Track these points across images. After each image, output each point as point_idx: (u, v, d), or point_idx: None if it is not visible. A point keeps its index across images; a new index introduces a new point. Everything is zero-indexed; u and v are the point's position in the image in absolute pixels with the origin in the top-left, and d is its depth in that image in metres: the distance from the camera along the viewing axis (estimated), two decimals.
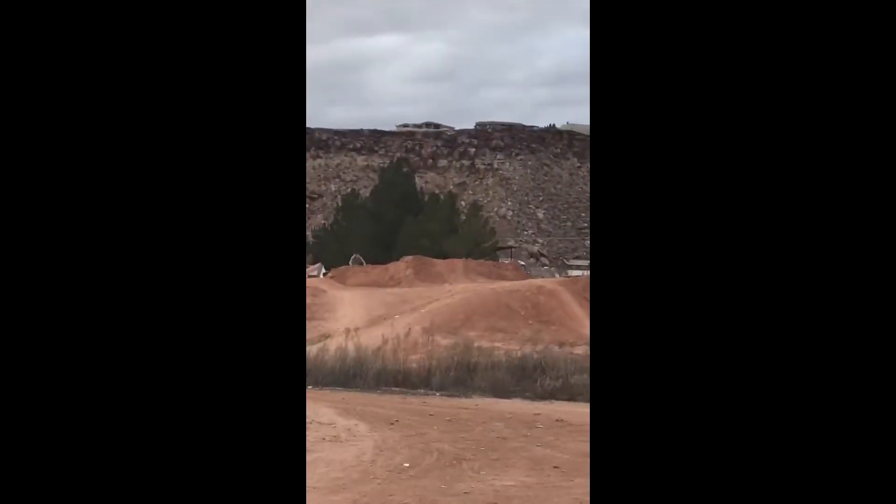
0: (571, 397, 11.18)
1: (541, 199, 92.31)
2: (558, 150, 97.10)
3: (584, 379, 11.44)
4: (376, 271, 31.10)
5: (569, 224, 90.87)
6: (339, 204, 52.99)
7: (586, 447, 7.97)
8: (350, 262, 32.96)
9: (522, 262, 54.24)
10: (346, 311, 21.54)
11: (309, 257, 33.24)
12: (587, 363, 12.59)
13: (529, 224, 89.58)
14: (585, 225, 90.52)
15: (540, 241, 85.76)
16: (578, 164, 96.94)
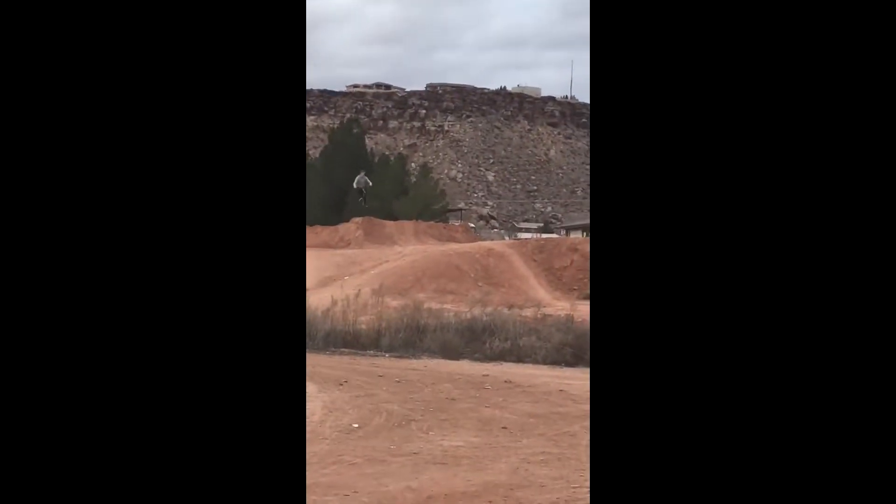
0: (519, 359, 11.27)
1: (491, 161, 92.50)
2: (509, 113, 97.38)
3: (532, 341, 11.55)
4: (326, 232, 30.87)
5: (518, 187, 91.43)
6: None
7: (533, 408, 8.18)
8: (355, 184, 28.46)
9: (472, 225, 54.54)
10: None
11: None
12: (535, 325, 12.72)
13: (479, 186, 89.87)
14: (535, 188, 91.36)
15: (490, 203, 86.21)
16: (529, 127, 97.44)
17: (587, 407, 7.99)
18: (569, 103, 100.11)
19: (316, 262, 22.14)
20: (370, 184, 29.38)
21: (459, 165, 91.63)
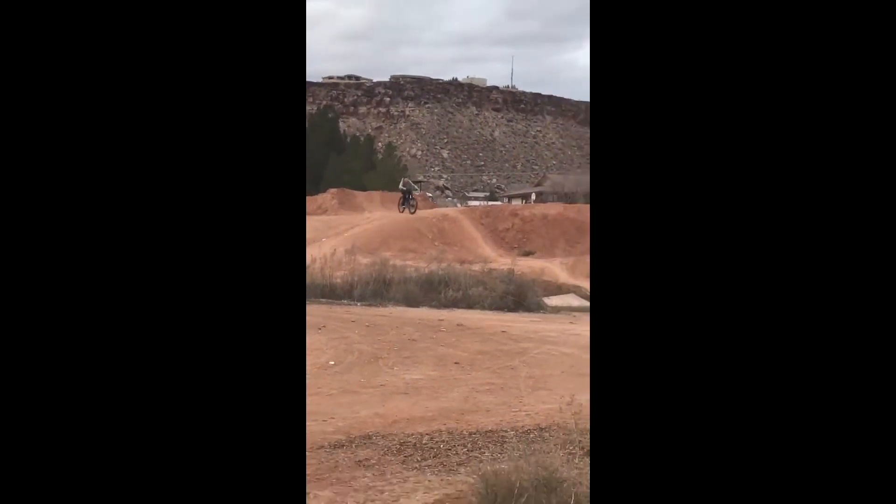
0: (469, 305, 11.16)
1: (445, 141, 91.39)
2: (460, 100, 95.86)
3: (480, 290, 11.41)
4: (305, 201, 30.15)
5: (468, 162, 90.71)
6: None
7: (481, 346, 8.03)
8: (401, 185, 23.46)
9: (430, 194, 53.83)
10: None
11: None
12: (483, 277, 12.56)
13: (436, 162, 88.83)
14: (482, 163, 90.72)
15: (444, 176, 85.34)
16: (476, 112, 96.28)
17: (525, 345, 7.96)
18: (510, 92, 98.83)
19: None
20: (417, 189, 24.56)
21: (419, 145, 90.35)
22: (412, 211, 22.88)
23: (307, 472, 2.37)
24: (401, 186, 23.63)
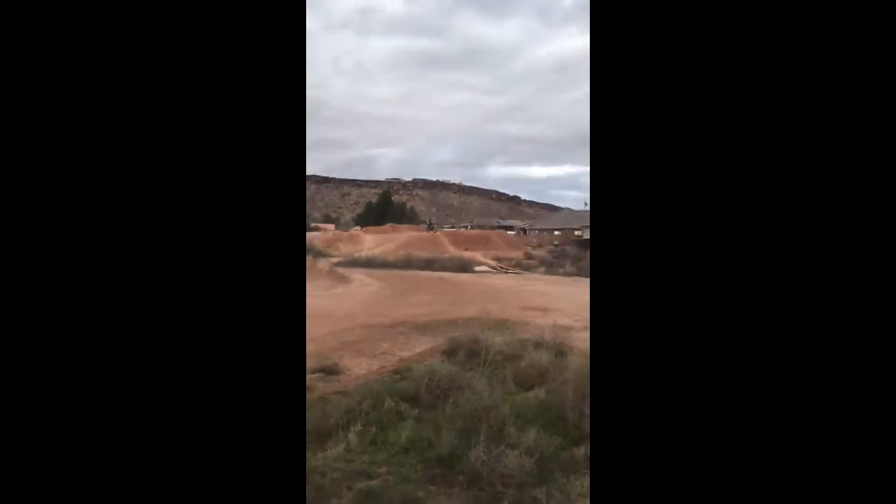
0: (443, 269, 24.54)
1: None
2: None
3: (447, 264, 25.29)
4: None
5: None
6: None
7: (449, 286, 19.40)
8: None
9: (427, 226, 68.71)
10: None
11: None
12: (449, 259, 26.78)
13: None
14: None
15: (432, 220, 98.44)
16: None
17: (465, 286, 21.16)
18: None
19: None
20: (435, 226, 47.08)
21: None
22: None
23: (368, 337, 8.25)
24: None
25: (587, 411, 4.32)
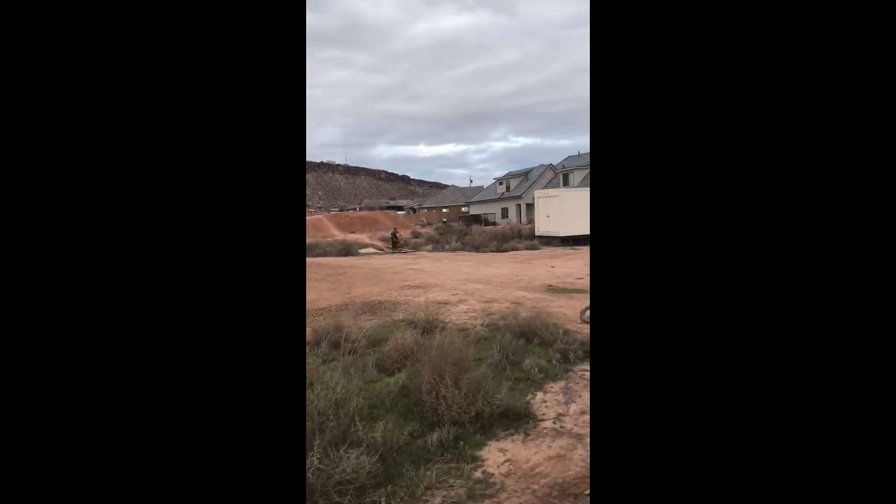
0: (325, 254, 23.81)
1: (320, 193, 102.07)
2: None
3: (329, 249, 24.32)
4: None
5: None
6: None
7: (335, 270, 20.27)
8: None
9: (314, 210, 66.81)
10: None
11: None
12: (331, 244, 25.65)
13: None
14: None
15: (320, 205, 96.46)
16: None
17: (350, 269, 21.81)
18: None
19: None
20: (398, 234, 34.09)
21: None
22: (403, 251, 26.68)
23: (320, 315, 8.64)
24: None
25: (445, 392, 4.07)
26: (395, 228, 31.03)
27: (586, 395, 4.67)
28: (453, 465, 3.43)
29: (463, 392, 4.04)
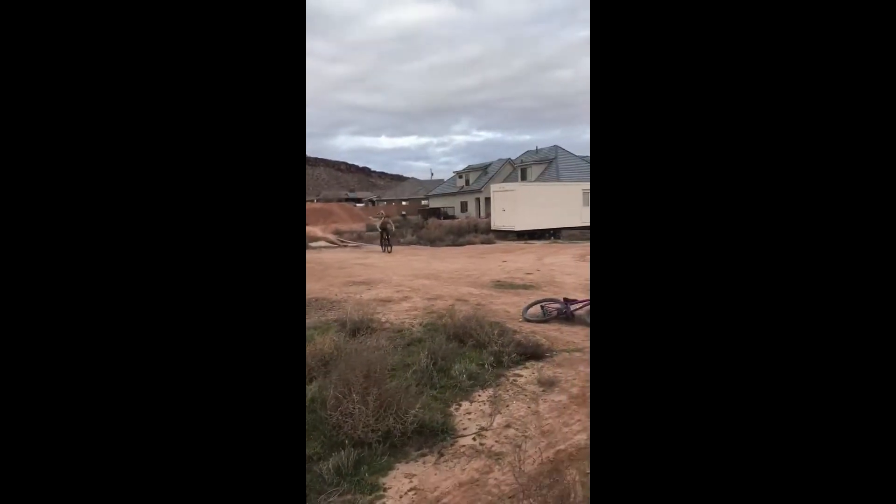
0: None
1: None
2: None
3: None
4: None
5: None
6: None
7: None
8: None
9: None
10: None
11: None
12: None
13: None
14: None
15: None
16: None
17: (320, 262, 21.40)
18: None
19: None
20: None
21: None
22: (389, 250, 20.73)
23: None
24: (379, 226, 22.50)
25: (352, 409, 3.62)
26: (385, 217, 22.66)
27: (514, 405, 4.31)
28: (348, 496, 2.98)
29: (371, 408, 3.60)
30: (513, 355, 5.44)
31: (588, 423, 3.84)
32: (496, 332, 5.85)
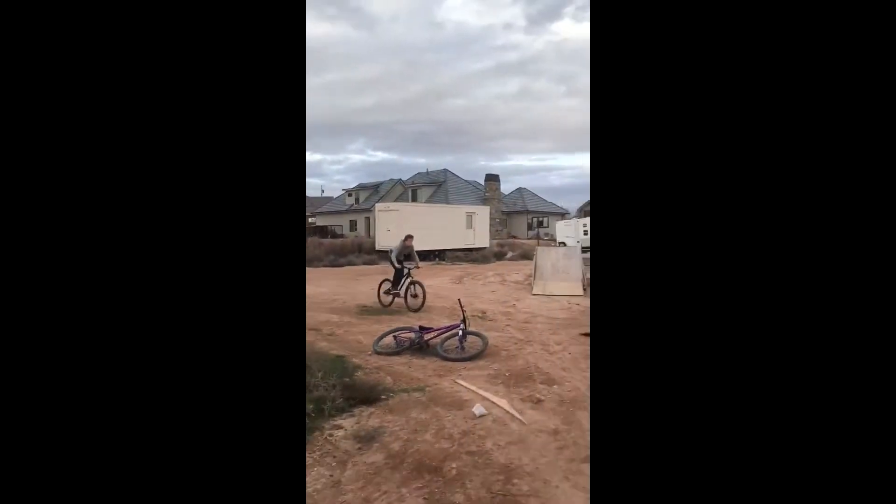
0: None
1: None
2: None
3: None
4: None
5: None
6: None
7: None
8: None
9: None
10: None
11: None
12: None
13: None
14: None
15: None
16: None
17: None
18: None
19: None
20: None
21: None
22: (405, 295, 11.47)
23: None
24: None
25: None
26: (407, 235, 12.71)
27: (315, 472, 3.50)
28: None
29: None
30: (338, 401, 4.65)
31: (398, 492, 3.23)
32: (321, 375, 5.02)
